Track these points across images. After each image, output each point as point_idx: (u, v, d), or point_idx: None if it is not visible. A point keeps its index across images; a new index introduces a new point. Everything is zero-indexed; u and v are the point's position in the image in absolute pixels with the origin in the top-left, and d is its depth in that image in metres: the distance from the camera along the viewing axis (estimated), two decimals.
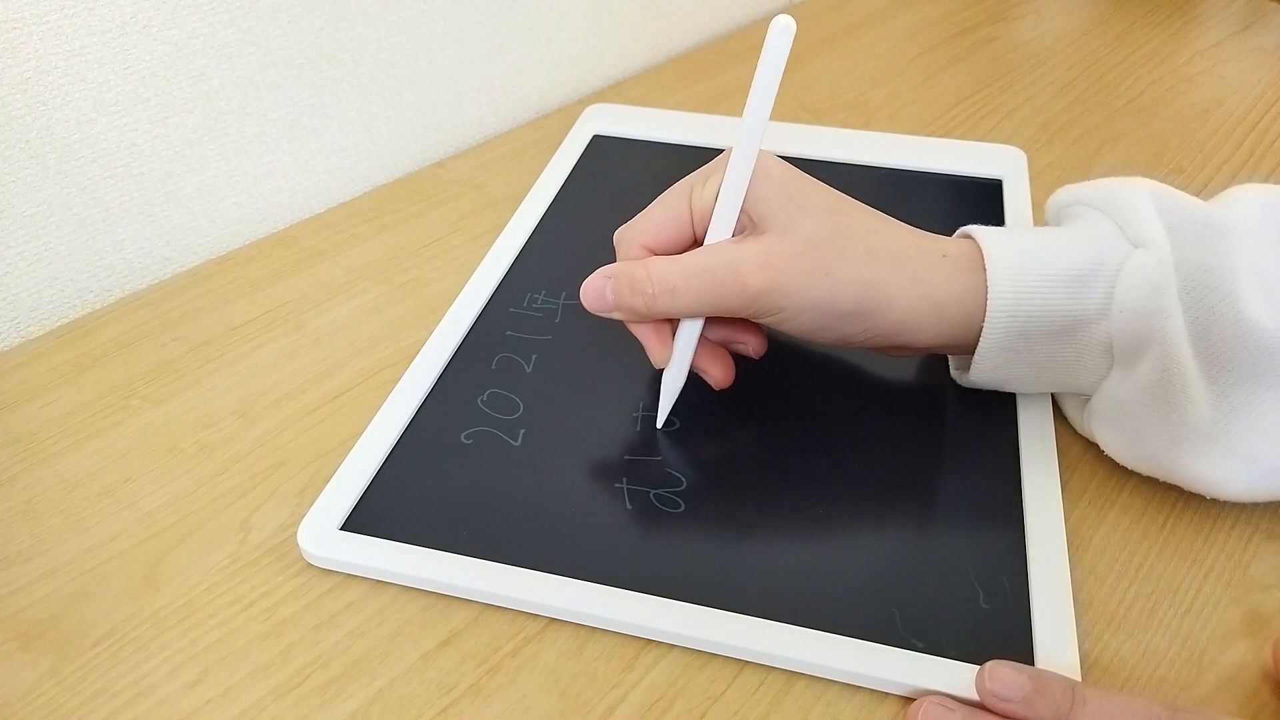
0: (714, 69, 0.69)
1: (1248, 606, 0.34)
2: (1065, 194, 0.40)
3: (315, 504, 0.37)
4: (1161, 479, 0.37)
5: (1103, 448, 0.38)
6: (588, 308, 0.37)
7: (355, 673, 0.33)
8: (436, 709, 0.32)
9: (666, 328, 0.38)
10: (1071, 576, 0.34)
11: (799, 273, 0.35)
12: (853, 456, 0.39)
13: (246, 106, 0.51)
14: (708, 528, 0.36)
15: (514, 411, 0.41)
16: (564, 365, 0.43)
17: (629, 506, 0.37)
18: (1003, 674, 0.30)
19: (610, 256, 0.39)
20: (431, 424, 0.40)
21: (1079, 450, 0.40)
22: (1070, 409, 0.40)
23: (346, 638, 0.34)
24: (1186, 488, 0.36)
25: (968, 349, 0.37)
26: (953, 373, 0.41)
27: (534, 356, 0.43)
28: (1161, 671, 0.32)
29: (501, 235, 0.50)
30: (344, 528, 0.36)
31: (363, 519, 0.36)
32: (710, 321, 0.39)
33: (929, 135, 0.60)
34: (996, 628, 0.33)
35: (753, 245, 0.35)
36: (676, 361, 0.38)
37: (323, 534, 0.36)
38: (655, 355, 0.38)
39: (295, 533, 0.36)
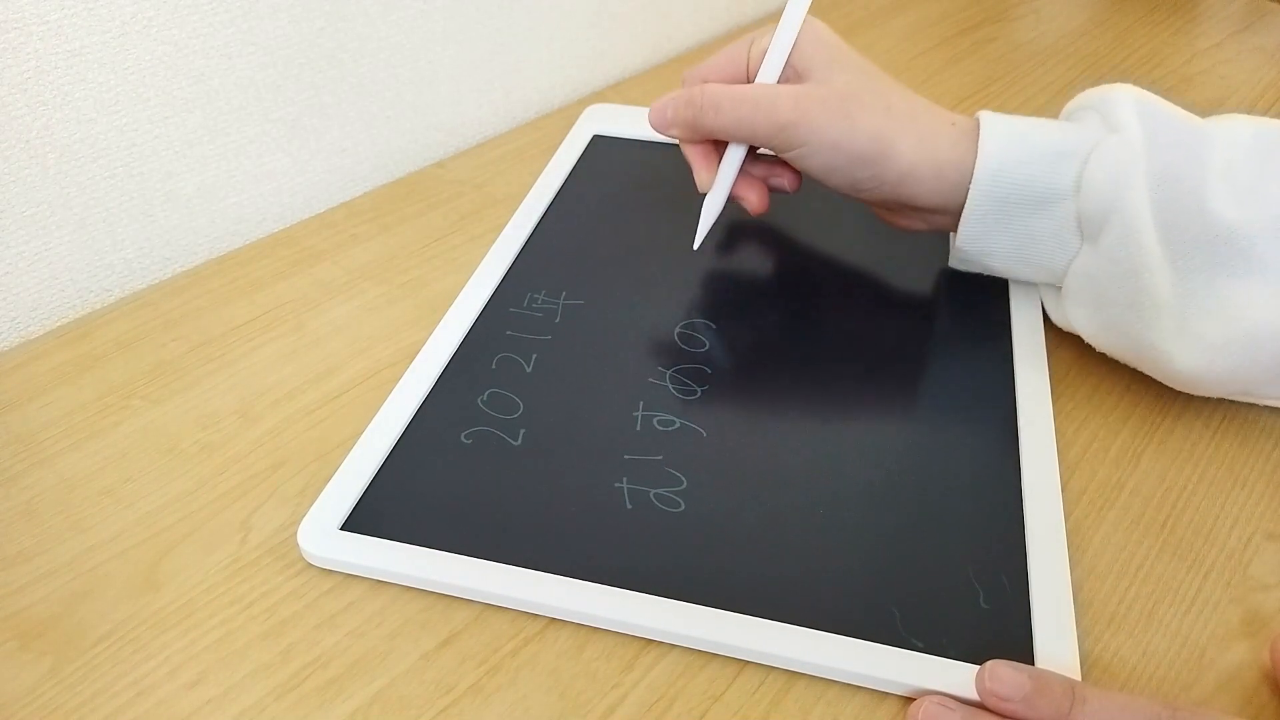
0: None
1: (1248, 606, 0.34)
2: (1074, 100, 0.44)
3: (315, 504, 0.37)
4: (1124, 357, 0.41)
5: (1074, 325, 0.42)
6: (651, 123, 0.45)
7: (355, 673, 0.33)
8: (436, 709, 0.32)
9: (714, 154, 0.45)
10: (1071, 576, 0.34)
11: (824, 113, 0.41)
12: (849, 452, 0.39)
13: (246, 106, 0.51)
14: (708, 528, 0.36)
15: (514, 411, 0.41)
16: (564, 365, 0.43)
17: (629, 506, 0.37)
18: (1003, 673, 0.30)
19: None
20: (431, 424, 0.40)
21: (1079, 449, 0.40)
22: (1051, 304, 0.44)
23: (346, 638, 0.34)
24: (1143, 365, 0.40)
25: (958, 214, 0.42)
26: (950, 259, 0.46)
27: (534, 356, 0.43)
28: (1161, 671, 0.32)
29: (501, 235, 0.50)
30: (344, 528, 0.36)
31: (363, 519, 0.36)
32: (753, 158, 0.46)
33: None
34: (996, 628, 0.33)
35: (791, 87, 0.42)
36: (718, 186, 0.45)
37: (323, 534, 0.36)
38: (701, 177, 0.45)
39: (295, 533, 0.36)
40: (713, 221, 0.45)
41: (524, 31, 0.62)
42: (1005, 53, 0.70)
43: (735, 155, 0.44)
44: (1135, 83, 0.66)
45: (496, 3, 0.59)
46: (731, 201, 0.46)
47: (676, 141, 0.44)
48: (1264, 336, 0.36)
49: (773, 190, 0.46)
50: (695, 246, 0.46)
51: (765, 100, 0.41)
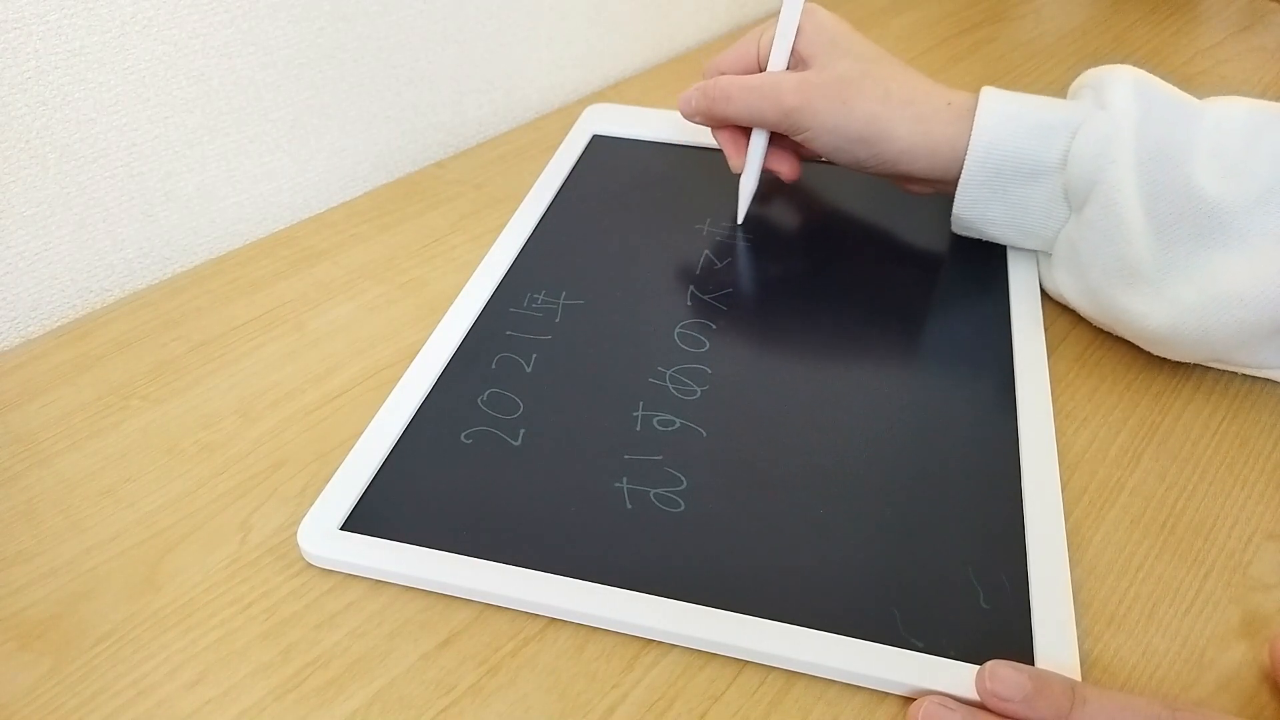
0: None
1: (1248, 606, 0.34)
2: (1078, 79, 0.46)
3: (315, 504, 0.37)
4: (1104, 322, 0.44)
5: (1061, 290, 0.45)
6: (680, 111, 0.49)
7: (355, 673, 0.33)
8: (436, 709, 0.32)
9: (741, 138, 0.49)
10: (1071, 576, 0.35)
11: (824, 100, 0.44)
12: (849, 453, 0.39)
13: (246, 106, 0.51)
14: (708, 528, 0.36)
15: (514, 411, 0.41)
16: (564, 365, 0.43)
17: (629, 506, 0.37)
18: (1003, 674, 0.30)
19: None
20: (431, 424, 0.40)
21: (1079, 449, 0.40)
22: (1044, 272, 0.47)
23: (346, 638, 0.34)
24: (1119, 328, 0.43)
25: (955, 183, 0.45)
26: (952, 225, 0.48)
27: (534, 356, 0.43)
28: (1161, 672, 0.32)
29: (501, 235, 0.50)
30: (344, 528, 0.36)
31: (363, 519, 0.36)
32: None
33: None
34: (996, 628, 0.33)
35: (795, 75, 0.45)
36: (750, 167, 0.49)
37: (323, 534, 0.36)
38: (733, 162, 0.49)
39: (295, 533, 0.36)
40: (749, 198, 0.50)
41: (524, 31, 0.62)
42: (1005, 53, 0.70)
43: (760, 138, 0.48)
44: None
45: (496, 3, 0.60)
46: (766, 173, 0.50)
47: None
48: (1235, 301, 0.38)
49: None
50: (739, 220, 0.51)
51: (769, 88, 0.45)
